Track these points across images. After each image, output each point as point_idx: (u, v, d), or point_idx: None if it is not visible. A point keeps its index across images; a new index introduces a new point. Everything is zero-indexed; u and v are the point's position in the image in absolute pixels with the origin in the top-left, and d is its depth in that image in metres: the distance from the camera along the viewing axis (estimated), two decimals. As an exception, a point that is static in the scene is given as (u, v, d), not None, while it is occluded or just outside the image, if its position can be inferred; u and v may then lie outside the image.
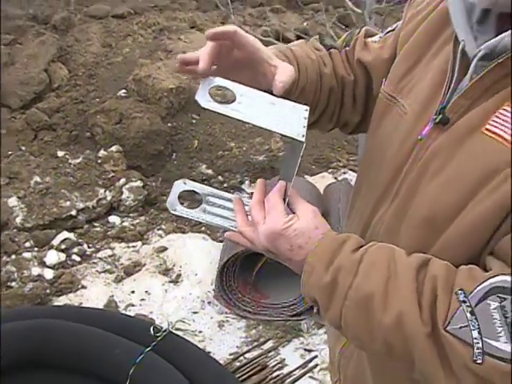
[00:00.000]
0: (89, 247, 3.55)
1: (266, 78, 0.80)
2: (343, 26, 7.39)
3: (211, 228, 3.74)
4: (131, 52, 5.58)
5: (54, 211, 3.64)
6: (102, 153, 4.23)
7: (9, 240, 3.36)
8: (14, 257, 3.26)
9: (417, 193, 0.75)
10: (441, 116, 0.73)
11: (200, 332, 2.70)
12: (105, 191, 3.94)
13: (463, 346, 0.61)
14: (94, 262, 3.36)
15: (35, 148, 4.36)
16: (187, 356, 1.29)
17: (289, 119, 0.75)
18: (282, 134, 0.75)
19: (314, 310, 2.75)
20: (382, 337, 0.67)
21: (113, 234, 3.68)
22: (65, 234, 3.55)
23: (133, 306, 2.92)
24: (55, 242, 3.49)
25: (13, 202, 3.62)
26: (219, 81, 0.77)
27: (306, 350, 2.65)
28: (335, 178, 4.24)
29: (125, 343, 1.23)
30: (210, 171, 4.36)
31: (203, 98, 0.74)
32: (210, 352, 2.47)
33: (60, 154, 4.33)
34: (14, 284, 3.04)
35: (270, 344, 2.66)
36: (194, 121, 4.72)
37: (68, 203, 3.73)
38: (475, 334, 0.60)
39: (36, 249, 3.41)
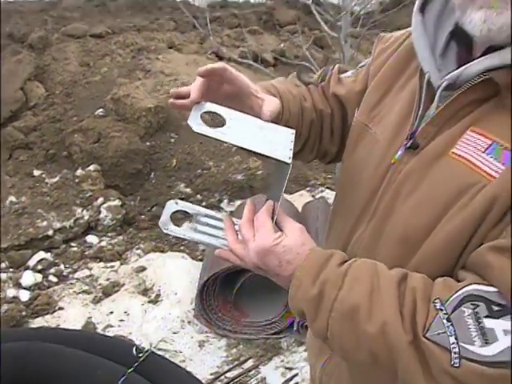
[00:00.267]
0: (66, 267, 3.50)
1: (253, 111, 0.85)
2: (319, 48, 7.55)
3: (190, 247, 3.74)
4: (109, 71, 5.59)
5: (30, 231, 3.59)
6: (79, 172, 4.20)
7: (-17, 261, 3.29)
8: (-12, 278, 3.20)
9: (392, 213, 0.80)
10: (411, 141, 0.78)
11: (180, 352, 2.68)
12: (82, 210, 3.90)
13: (441, 351, 0.65)
14: (71, 283, 3.31)
15: (10, 167, 4.31)
16: (170, 376, 1.29)
17: (276, 142, 0.79)
18: (269, 157, 0.77)
19: (294, 328, 2.77)
20: (366, 346, 0.70)
21: (90, 254, 3.64)
22: (41, 255, 3.50)
23: (111, 326, 2.88)
24: (31, 262, 3.43)
25: (-13, 222, 3.56)
26: (210, 106, 0.81)
27: (286, 368, 2.65)
28: (313, 196, 4.29)
29: (107, 364, 1.22)
30: (188, 190, 4.37)
31: (195, 122, 0.77)
32: (190, 372, 2.45)
33: (36, 173, 4.29)
34: (-12, 306, 2.98)
35: (250, 363, 2.66)
36: (172, 140, 4.74)
37: (44, 223, 3.68)
38: (452, 339, 0.64)
39: (11, 270, 3.35)
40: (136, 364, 1.22)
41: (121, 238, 3.85)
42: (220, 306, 2.81)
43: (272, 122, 0.84)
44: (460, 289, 0.67)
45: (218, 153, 4.63)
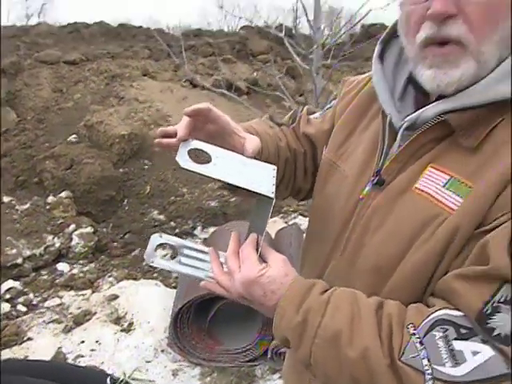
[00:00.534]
0: (35, 296, 3.43)
1: (236, 148, 0.90)
2: (292, 78, 7.74)
3: (164, 274, 3.72)
4: (82, 98, 5.59)
5: (-2, 259, 3.51)
6: (50, 199, 4.16)
7: (-52, 291, 3.20)
8: (-47, 308, 3.10)
9: (363, 246, 0.85)
10: (377, 178, 0.85)
11: (154, 381, 2.64)
12: (53, 238, 3.85)
13: (416, 373, 0.69)
14: (40, 312, 3.24)
15: (-21, 194, 4.24)
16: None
17: (259, 178, 0.83)
18: (254, 192, 0.81)
19: (269, 356, 2.77)
20: (348, 371, 0.73)
21: (61, 282, 3.57)
22: (10, 283, 3.42)
23: (82, 356, 2.82)
24: (-1, 291, 3.35)
25: (-46, 250, 3.47)
26: (196, 143, 0.86)
27: (260, 396, 2.64)
28: (286, 223, 4.35)
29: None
30: (161, 217, 4.36)
31: (182, 159, 0.81)
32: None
33: (6, 199, 4.22)
34: (-47, 338, 2.88)
35: (224, 391, 2.64)
36: (146, 167, 4.75)
37: (14, 251, 3.61)
38: (425, 361, 0.68)
39: (-22, 299, 3.26)
40: (112, 394, 1.22)
41: (93, 265, 3.80)
42: (194, 334, 2.79)
43: (254, 158, 0.89)
44: (430, 314, 0.71)
45: (192, 180, 4.65)
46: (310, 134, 1.09)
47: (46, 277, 3.64)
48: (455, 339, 0.68)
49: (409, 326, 0.71)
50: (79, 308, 3.27)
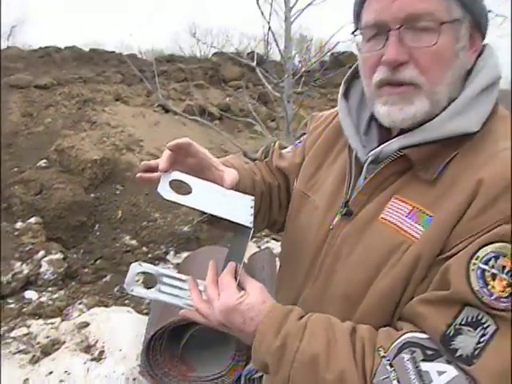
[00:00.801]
0: (1, 326, 3.32)
1: (215, 181, 0.94)
2: (263, 104, 7.88)
3: (136, 300, 3.67)
4: (53, 122, 5.55)
5: (-37, 287, 3.41)
6: (19, 224, 4.07)
7: None
8: None
9: (334, 273, 0.89)
10: (345, 209, 0.90)
11: (125, 412, 2.59)
12: (21, 264, 3.76)
13: None
14: (7, 342, 3.14)
15: None
16: None
17: (238, 208, 0.87)
18: (233, 222, 0.84)
19: (242, 382, 2.75)
20: None
21: (29, 311, 3.48)
22: (-25, 313, 3.31)
23: (50, 388, 2.74)
24: (-37, 321, 3.24)
25: None
26: (177, 175, 0.88)
27: (234, 423, 2.62)
28: (259, 247, 4.37)
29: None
30: (133, 242, 4.32)
31: (164, 190, 0.84)
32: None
33: (-28, 225, 4.12)
34: None
35: (197, 419, 2.60)
36: (117, 191, 4.72)
37: (-20, 278, 3.51)
38: (395, 382, 0.71)
39: None
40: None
41: (62, 292, 3.72)
42: (167, 361, 2.76)
43: (232, 189, 0.92)
44: (399, 337, 0.75)
45: (165, 204, 4.64)
46: (283, 167, 1.14)
47: (12, 305, 3.54)
48: (422, 360, 0.72)
49: (379, 349, 0.75)
50: (47, 337, 3.19)
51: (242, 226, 0.84)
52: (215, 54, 10.81)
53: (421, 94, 0.79)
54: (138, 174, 0.93)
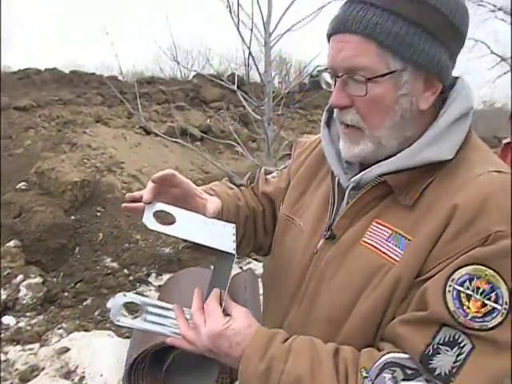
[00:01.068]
0: (-22, 353, 3.24)
1: (198, 210, 0.97)
2: (244, 125, 7.96)
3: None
4: (33, 144, 5.51)
5: None
6: (-3, 248, 4.01)
7: None
8: None
9: (319, 296, 0.92)
10: (329, 233, 0.93)
11: None
12: (-1, 290, 3.69)
13: None
14: (-17, 370, 3.07)
15: None
16: None
17: (220, 236, 0.90)
18: (216, 249, 0.87)
19: (225, 405, 2.73)
20: None
21: (6, 337, 3.40)
22: (-50, 339, 3.23)
23: (29, 416, 2.68)
24: None
25: None
26: (161, 206, 0.92)
27: None
28: (241, 268, 4.37)
29: None
30: (115, 264, 4.28)
31: (149, 221, 0.86)
32: None
33: (-52, 250, 4.03)
34: None
35: None
36: (98, 213, 4.69)
37: (-44, 304, 3.44)
38: None
39: None
40: None
41: (41, 317, 3.65)
42: (149, 386, 2.72)
43: (215, 218, 0.96)
44: (380, 357, 0.78)
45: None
46: (269, 192, 1.18)
47: (-11, 331, 3.46)
48: (403, 380, 0.75)
49: (362, 370, 0.78)
50: (26, 363, 3.12)
51: (225, 252, 0.87)
52: (196, 75, 10.91)
53: (364, 137, 0.85)
54: (124, 205, 0.96)
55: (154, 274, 4.28)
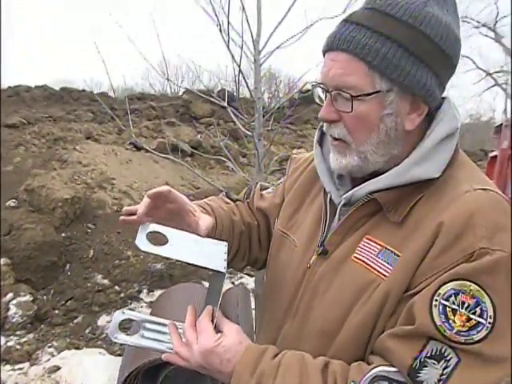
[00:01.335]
0: (-33, 373, 3.20)
1: (191, 226, 1.00)
2: (235, 140, 8.00)
3: (108, 341, 3.60)
4: (23, 161, 5.50)
5: None
6: (-14, 267, 3.98)
7: None
8: None
9: (312, 310, 0.94)
10: (322, 248, 0.95)
11: None
12: (-12, 308, 3.66)
13: None
14: (-28, 391, 3.03)
15: None
16: None
17: (212, 254, 0.92)
18: (207, 268, 0.89)
19: (218, 422, 2.71)
20: None
21: (-4, 357, 3.37)
22: None
23: None
24: None
25: None
26: (154, 227, 0.93)
27: None
28: (233, 283, 4.37)
29: None
30: (106, 281, 4.26)
31: (142, 242, 0.88)
32: None
33: None
34: None
35: None
36: (89, 230, 4.67)
37: None
38: None
39: None
40: None
41: (31, 336, 3.62)
42: (141, 404, 2.70)
43: (207, 236, 0.98)
44: (369, 371, 0.80)
45: (137, 242, 4.60)
46: (264, 207, 1.20)
47: (-21, 351, 3.42)
48: None
49: (351, 383, 0.79)
50: (16, 383, 3.09)
51: (216, 271, 0.89)
52: (186, 91, 10.97)
53: (351, 150, 0.88)
54: (122, 217, 0.98)
55: (145, 291, 4.26)
